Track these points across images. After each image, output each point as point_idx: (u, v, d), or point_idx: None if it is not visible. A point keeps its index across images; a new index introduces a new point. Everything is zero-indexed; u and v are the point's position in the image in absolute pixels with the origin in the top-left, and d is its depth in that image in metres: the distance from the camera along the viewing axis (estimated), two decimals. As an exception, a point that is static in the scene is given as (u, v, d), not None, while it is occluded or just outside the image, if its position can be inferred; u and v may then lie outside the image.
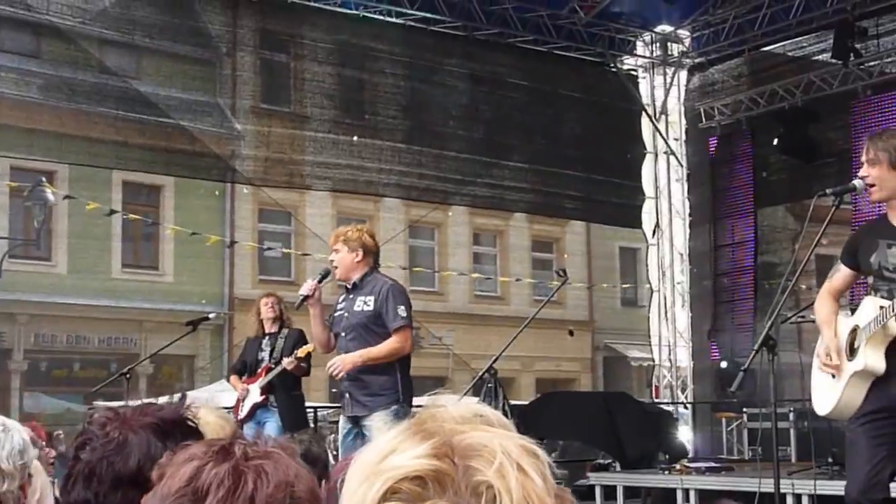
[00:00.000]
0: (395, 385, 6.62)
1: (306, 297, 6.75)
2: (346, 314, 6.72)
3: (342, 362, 6.56)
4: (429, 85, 13.93)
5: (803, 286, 11.56)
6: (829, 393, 5.12)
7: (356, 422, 6.69)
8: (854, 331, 5.05)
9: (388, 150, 13.38)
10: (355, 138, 13.28)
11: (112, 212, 17.55)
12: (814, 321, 5.35)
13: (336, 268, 6.76)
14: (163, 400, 2.39)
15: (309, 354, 8.59)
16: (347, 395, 6.71)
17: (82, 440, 2.17)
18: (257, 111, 13.42)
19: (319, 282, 6.83)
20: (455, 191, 14.32)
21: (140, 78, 12.80)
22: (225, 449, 1.58)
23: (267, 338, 9.03)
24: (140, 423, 2.14)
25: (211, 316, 11.63)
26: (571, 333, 22.62)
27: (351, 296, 6.74)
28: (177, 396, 2.19)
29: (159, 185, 22.76)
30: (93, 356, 23.15)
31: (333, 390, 21.57)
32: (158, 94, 12.40)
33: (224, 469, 1.55)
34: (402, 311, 6.64)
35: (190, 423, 2.15)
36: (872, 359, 4.94)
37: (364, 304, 6.65)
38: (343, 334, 6.71)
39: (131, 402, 2.27)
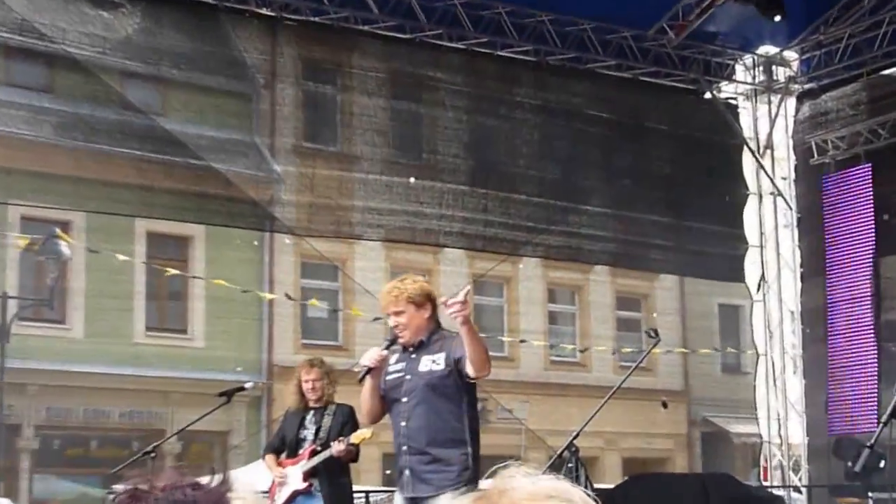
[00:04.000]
0: (467, 461, 6.49)
1: (371, 370, 6.66)
2: (407, 376, 6.62)
3: (463, 303, 6.30)
4: (495, 118, 13.98)
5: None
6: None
7: None
8: None
9: (450, 193, 13.41)
10: (412, 180, 13.35)
11: (150, 265, 17.64)
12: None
13: (404, 331, 6.69)
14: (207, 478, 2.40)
15: (363, 439, 8.50)
16: (408, 471, 6.60)
17: None
18: (300, 151, 13.56)
19: (386, 349, 6.77)
20: (526, 240, 14.30)
21: (167, 114, 12.99)
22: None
23: (311, 413, 8.97)
24: (168, 499, 2.17)
25: (247, 386, 11.61)
26: (665, 405, 22.39)
27: (413, 356, 6.66)
28: (218, 477, 2.20)
29: (188, 236, 22.96)
30: (112, 433, 23.29)
31: (387, 472, 21.49)
32: (187, 132, 12.58)
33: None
34: None
35: None
36: None
37: (433, 363, 6.57)
38: (405, 399, 6.61)
39: (175, 475, 2.30)
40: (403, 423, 6.60)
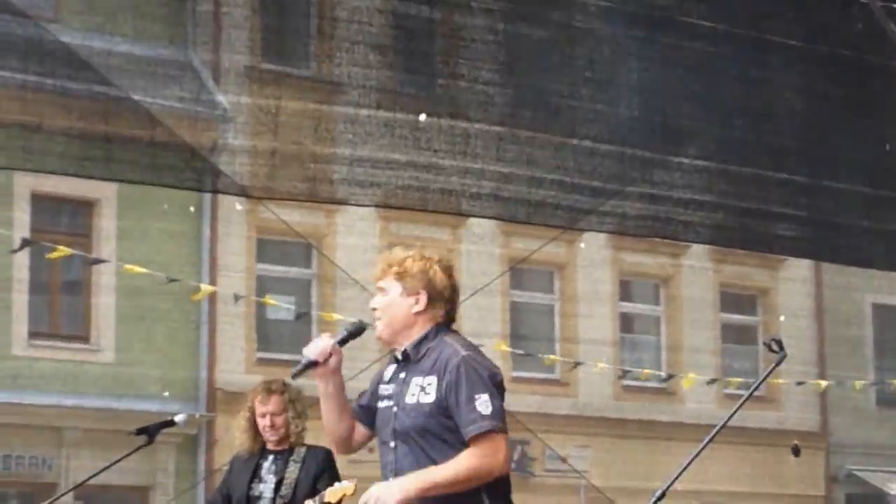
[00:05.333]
0: None
1: (313, 364, 6.37)
2: (394, 408, 6.30)
3: (382, 496, 5.98)
4: (544, 28, 14.00)
5: None
6: None
7: None
8: None
9: (478, 137, 13.42)
10: (422, 118, 13.36)
11: (25, 244, 17.70)
12: None
13: (379, 321, 6.38)
14: None
15: (343, 497, 8.50)
16: None
17: None
18: (256, 74, 13.58)
19: (342, 342, 6.43)
20: (590, 207, 14.31)
21: (61, 20, 13.03)
22: None
23: (270, 458, 9.04)
24: None
25: (177, 420, 11.68)
26: (796, 452, 22.55)
27: (403, 374, 6.35)
28: None
29: (92, 200, 23.09)
30: (-19, 487, 23.47)
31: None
32: (92, 46, 12.61)
33: None
34: (483, 403, 6.06)
35: None
36: None
37: (422, 390, 6.19)
38: (392, 444, 6.28)
39: None
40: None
